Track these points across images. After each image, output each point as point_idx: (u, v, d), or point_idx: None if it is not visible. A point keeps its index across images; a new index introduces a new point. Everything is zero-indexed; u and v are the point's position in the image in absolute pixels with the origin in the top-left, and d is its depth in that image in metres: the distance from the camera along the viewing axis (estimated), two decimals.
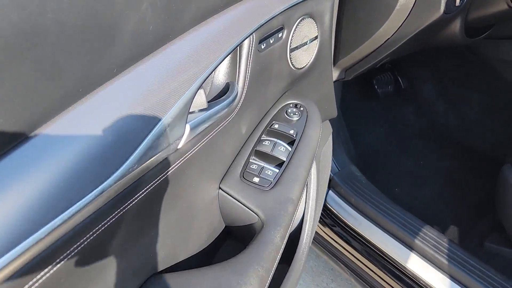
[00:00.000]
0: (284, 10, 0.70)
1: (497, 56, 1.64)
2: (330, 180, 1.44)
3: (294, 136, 0.76)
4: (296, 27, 0.75)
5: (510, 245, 1.31)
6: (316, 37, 0.82)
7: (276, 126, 0.77)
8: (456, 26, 1.27)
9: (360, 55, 1.24)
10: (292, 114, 0.80)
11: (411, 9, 1.11)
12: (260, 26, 0.65)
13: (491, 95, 1.76)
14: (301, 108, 0.82)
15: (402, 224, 1.30)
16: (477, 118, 1.80)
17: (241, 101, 0.65)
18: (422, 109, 1.92)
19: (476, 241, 1.39)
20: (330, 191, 1.45)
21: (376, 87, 1.83)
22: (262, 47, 0.68)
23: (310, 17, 0.78)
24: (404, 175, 1.70)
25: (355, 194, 1.41)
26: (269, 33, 0.69)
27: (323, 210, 1.44)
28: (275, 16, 0.69)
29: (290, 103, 0.82)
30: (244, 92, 0.65)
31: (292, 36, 0.75)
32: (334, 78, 1.33)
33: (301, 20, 0.76)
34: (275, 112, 0.80)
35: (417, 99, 1.93)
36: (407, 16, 1.12)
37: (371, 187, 1.44)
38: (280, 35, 0.72)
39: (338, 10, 1.17)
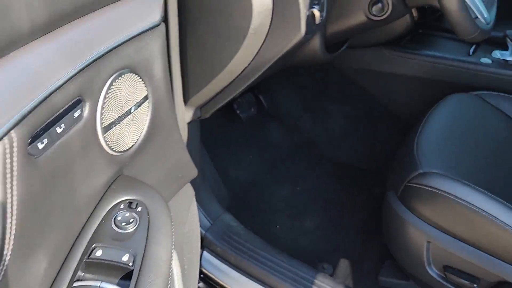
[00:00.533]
0: (78, 73, 0.41)
1: (349, 64, 1.56)
2: (202, 240, 1.18)
3: (131, 264, 0.47)
4: (106, 93, 0.46)
5: (403, 275, 1.21)
6: (145, 98, 0.54)
7: (99, 253, 0.47)
8: (316, 43, 1.11)
9: (214, 90, 1.00)
10: (124, 223, 0.51)
11: (268, 32, 0.90)
12: (29, 113, 0.35)
13: (353, 106, 1.68)
14: (139, 208, 0.53)
15: (294, 280, 1.11)
16: (344, 130, 1.72)
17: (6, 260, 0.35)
18: (288, 128, 1.77)
19: (372, 276, 1.27)
20: (205, 252, 1.19)
21: (238, 112, 1.63)
22: (41, 146, 0.38)
23: (131, 72, 0.50)
24: (282, 206, 1.53)
25: (235, 251, 1.17)
26: (53, 118, 0.39)
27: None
28: (61, 86, 0.39)
29: (121, 203, 0.53)
30: (10, 243, 0.35)
31: (103, 109, 0.46)
32: (188, 119, 1.07)
33: (114, 80, 0.48)
34: (95, 228, 0.50)
35: (281, 117, 1.78)
36: (264, 41, 0.91)
37: (251, 237, 1.22)
38: (77, 113, 0.42)
39: (180, 34, 0.91)
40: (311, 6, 0.91)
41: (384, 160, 1.45)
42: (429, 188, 1.00)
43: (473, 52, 1.46)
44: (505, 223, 0.92)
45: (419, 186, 1.02)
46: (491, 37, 1.52)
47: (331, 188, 1.58)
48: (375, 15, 1.06)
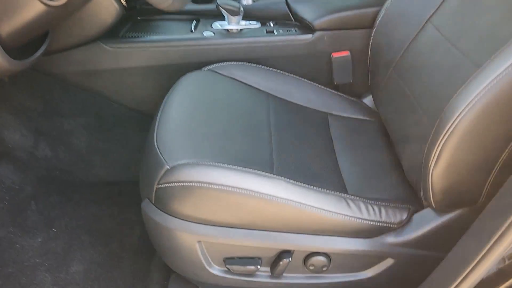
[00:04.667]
0: None
1: (70, 69, 1.32)
2: None
3: None
4: None
5: (192, 285, 1.07)
6: None
7: None
8: None
9: None
10: None
11: None
12: None
13: (92, 115, 1.46)
14: None
15: None
16: (91, 146, 1.48)
17: None
18: (24, 163, 1.43)
19: None
20: None
21: None
22: None
23: None
24: (38, 260, 1.22)
25: None
26: None
27: None
28: None
29: None
30: None
31: None
32: None
33: None
34: None
35: (10, 153, 1.42)
36: None
37: None
38: None
39: None
40: None
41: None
42: (180, 184, 0.86)
43: (195, 28, 1.40)
44: (261, 192, 0.85)
45: (170, 184, 0.87)
46: (207, 10, 1.49)
47: (94, 215, 1.34)
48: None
